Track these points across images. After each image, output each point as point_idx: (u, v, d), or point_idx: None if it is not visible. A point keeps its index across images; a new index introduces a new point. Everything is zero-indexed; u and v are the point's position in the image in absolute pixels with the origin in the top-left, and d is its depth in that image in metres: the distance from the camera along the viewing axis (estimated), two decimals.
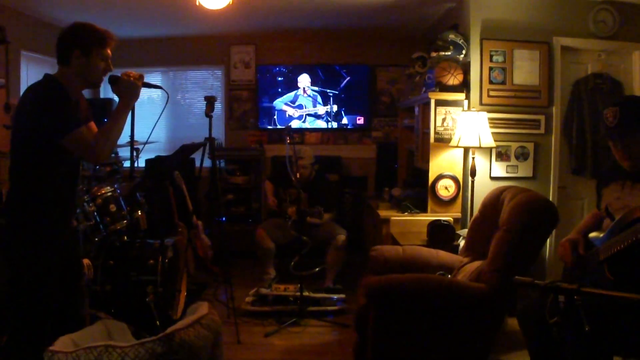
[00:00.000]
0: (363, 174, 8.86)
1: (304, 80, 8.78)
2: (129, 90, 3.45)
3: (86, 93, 3.80)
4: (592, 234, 3.54)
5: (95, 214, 5.15)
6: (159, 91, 8.55)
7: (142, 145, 5.13)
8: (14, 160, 3.42)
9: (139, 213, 5.58)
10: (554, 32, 6.04)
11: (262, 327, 5.73)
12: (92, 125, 3.55)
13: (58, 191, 3.41)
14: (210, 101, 5.36)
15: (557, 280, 2.53)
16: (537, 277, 2.60)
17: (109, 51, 3.48)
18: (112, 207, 5.31)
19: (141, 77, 3.53)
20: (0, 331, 4.24)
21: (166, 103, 3.96)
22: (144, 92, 6.43)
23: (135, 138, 5.62)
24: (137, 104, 3.72)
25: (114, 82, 3.47)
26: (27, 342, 3.37)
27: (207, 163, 5.73)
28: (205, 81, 9.17)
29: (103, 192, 5.29)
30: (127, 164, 6.96)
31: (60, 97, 3.24)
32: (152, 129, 4.17)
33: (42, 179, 3.34)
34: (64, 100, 3.25)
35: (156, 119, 4.07)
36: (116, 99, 3.51)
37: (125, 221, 5.37)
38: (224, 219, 6.81)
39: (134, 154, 5.99)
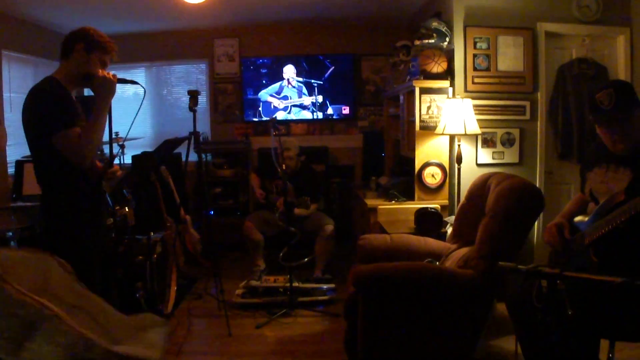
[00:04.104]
0: (350, 163, 8.88)
1: (288, 71, 8.77)
2: (105, 87, 3.53)
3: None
4: (577, 218, 3.55)
5: None
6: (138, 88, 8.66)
7: (123, 141, 5.13)
8: (34, 163, 3.61)
9: (126, 209, 5.58)
10: (537, 17, 6.04)
11: (253, 319, 5.74)
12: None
13: (81, 188, 3.56)
14: (193, 95, 5.35)
15: (540, 265, 2.54)
16: (524, 262, 2.62)
17: (107, 60, 3.63)
18: None
19: (114, 75, 3.61)
20: None
21: (143, 98, 4.00)
22: (130, 89, 6.35)
23: (122, 135, 5.62)
24: (121, 101, 3.77)
25: (89, 79, 3.56)
26: None
27: (193, 157, 5.73)
28: (190, 75, 9.13)
29: None
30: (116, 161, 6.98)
31: (55, 95, 3.40)
32: (131, 125, 4.26)
33: (63, 176, 3.49)
34: (59, 98, 3.41)
35: (142, 115, 4.11)
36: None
37: (111, 219, 5.37)
38: (211, 212, 6.83)
39: (119, 150, 5.99)
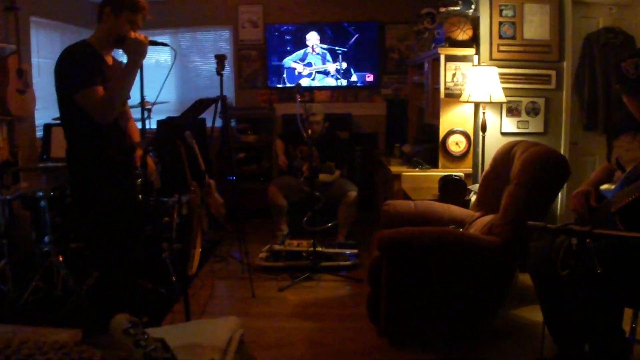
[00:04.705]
0: (373, 131, 8.86)
1: (312, 38, 8.75)
2: (136, 48, 3.54)
3: None
4: (604, 186, 3.56)
5: None
6: (166, 54, 8.67)
7: (152, 105, 5.17)
8: (62, 122, 3.70)
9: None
10: None
11: (276, 282, 5.83)
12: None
13: (105, 147, 3.61)
14: (220, 59, 5.38)
15: (570, 223, 2.56)
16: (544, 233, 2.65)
17: (138, 19, 3.63)
18: None
19: (146, 37, 3.62)
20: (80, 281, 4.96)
21: (173, 61, 4.05)
22: (152, 55, 6.33)
23: (148, 100, 5.67)
24: (145, 66, 3.82)
25: (121, 41, 3.57)
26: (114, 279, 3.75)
27: (218, 123, 5.77)
28: (212, 44, 9.13)
29: None
30: (138, 125, 7.03)
31: (81, 55, 3.43)
32: (162, 87, 4.26)
33: (90, 135, 3.55)
34: (87, 58, 3.47)
35: (167, 81, 4.16)
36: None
37: (139, 180, 5.44)
38: (234, 177, 6.88)
39: (145, 114, 6.04)
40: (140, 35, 3.57)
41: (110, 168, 3.62)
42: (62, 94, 3.51)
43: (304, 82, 8.73)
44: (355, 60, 8.77)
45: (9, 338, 1.70)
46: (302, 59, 8.79)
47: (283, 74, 8.83)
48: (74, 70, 3.41)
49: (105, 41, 3.60)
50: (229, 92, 8.93)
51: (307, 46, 8.77)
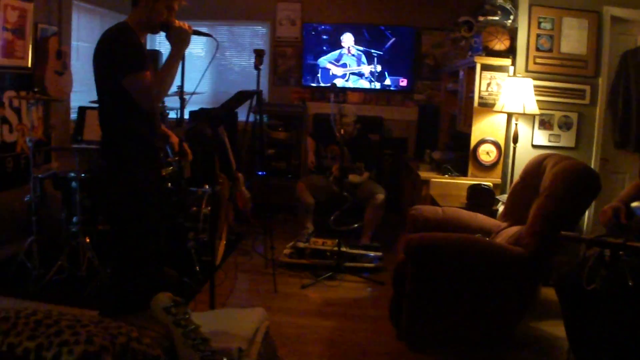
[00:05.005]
0: (403, 135, 8.87)
1: (348, 39, 8.78)
2: (180, 37, 3.57)
3: None
4: (635, 203, 3.55)
5: None
6: (202, 46, 8.74)
7: (190, 96, 5.21)
8: (100, 107, 3.66)
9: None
10: (604, 1, 5.95)
11: (299, 279, 5.86)
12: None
13: (142, 132, 3.61)
14: (259, 54, 5.42)
15: (603, 234, 2.57)
16: (572, 246, 2.66)
17: (175, 4, 3.61)
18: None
19: (190, 27, 3.63)
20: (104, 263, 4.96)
21: (215, 52, 4.07)
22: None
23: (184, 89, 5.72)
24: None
25: (167, 28, 3.58)
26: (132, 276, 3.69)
27: (250, 117, 5.81)
28: (248, 39, 9.20)
29: None
30: (172, 114, 7.09)
31: (129, 39, 3.42)
32: (202, 77, 4.28)
33: (126, 120, 3.54)
34: (132, 42, 3.43)
35: (198, 72, 4.19)
36: (163, 50, 3.64)
37: (171, 167, 5.50)
38: (263, 173, 6.92)
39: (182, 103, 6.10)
40: (184, 24, 3.58)
41: (148, 152, 3.64)
42: (105, 77, 3.50)
43: (338, 82, 8.75)
44: (390, 64, 8.79)
45: (47, 310, 1.74)
46: (338, 60, 8.82)
47: (317, 73, 8.87)
48: (124, 53, 3.39)
49: (144, 25, 3.58)
50: (263, 88, 8.93)
51: (342, 47, 8.80)
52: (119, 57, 3.39)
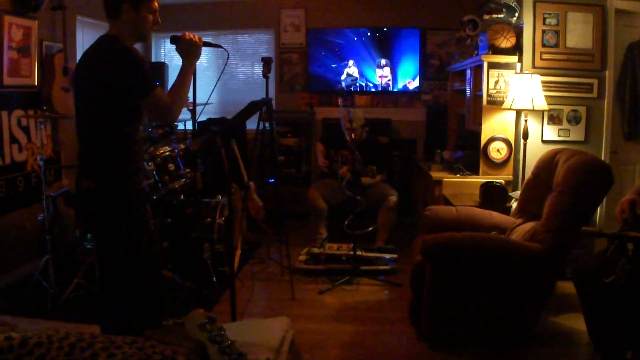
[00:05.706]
0: (412, 136, 8.88)
1: (354, 42, 8.80)
2: (191, 49, 3.52)
3: None
4: None
5: (154, 172, 5.33)
6: (207, 57, 8.77)
7: (203, 106, 5.23)
8: (88, 122, 3.46)
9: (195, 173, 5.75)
10: None
11: (316, 284, 5.89)
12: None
13: (130, 150, 3.48)
14: (267, 62, 5.44)
15: (624, 229, 2.58)
16: (587, 239, 2.67)
17: (156, 4, 3.49)
18: (171, 166, 5.49)
19: (200, 39, 3.59)
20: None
21: (226, 63, 4.03)
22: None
23: (189, 100, 5.74)
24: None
25: (177, 41, 3.53)
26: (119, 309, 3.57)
27: (253, 125, 5.83)
28: (251, 47, 9.25)
29: (162, 151, 5.47)
30: (181, 126, 7.13)
31: (134, 58, 3.28)
32: (213, 88, 4.30)
33: (116, 138, 3.40)
34: (138, 61, 3.31)
35: (204, 83, 4.16)
36: (168, 62, 3.61)
37: (183, 180, 5.53)
38: (272, 180, 6.95)
39: (191, 115, 6.14)
40: (194, 36, 3.53)
41: (133, 171, 3.49)
42: (109, 98, 3.30)
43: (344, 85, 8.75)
44: (396, 66, 8.80)
45: (79, 332, 1.76)
46: (344, 64, 8.83)
47: (324, 77, 8.88)
48: (137, 74, 3.28)
49: (132, 36, 3.46)
50: (270, 95, 8.98)
51: (348, 51, 8.81)
52: (132, 80, 3.27)
